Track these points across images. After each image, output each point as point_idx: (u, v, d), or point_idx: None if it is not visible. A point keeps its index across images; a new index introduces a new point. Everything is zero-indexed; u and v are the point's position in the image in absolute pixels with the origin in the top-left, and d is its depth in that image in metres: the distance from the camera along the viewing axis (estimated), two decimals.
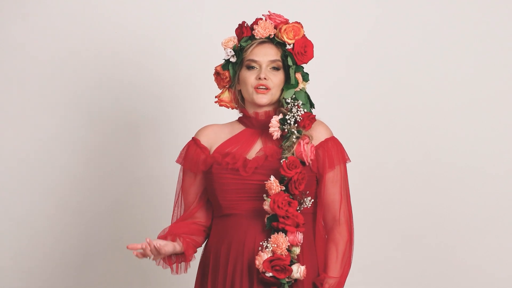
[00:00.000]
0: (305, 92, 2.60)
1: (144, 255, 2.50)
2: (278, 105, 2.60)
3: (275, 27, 2.60)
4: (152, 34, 4.09)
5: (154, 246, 2.47)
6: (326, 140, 2.57)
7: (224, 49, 2.62)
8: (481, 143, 4.21)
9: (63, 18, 4.08)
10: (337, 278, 2.54)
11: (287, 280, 2.47)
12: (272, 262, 2.45)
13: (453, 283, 4.16)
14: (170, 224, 2.69)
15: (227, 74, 2.62)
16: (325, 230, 2.59)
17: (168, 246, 2.53)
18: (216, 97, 2.68)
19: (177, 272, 2.65)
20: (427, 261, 4.17)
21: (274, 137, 2.54)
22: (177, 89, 4.06)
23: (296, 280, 2.49)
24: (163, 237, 2.58)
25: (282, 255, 2.46)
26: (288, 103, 2.56)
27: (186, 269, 2.65)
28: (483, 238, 4.17)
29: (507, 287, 4.18)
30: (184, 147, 2.64)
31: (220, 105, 2.68)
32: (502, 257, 4.18)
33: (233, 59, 2.61)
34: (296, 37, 2.58)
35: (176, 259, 2.62)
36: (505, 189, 4.22)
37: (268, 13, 2.61)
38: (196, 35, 4.08)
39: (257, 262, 2.46)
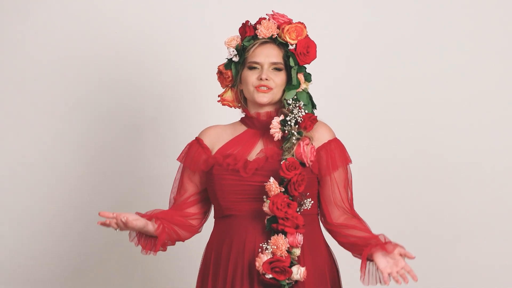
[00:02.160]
0: (307, 93, 2.61)
1: (107, 225, 2.49)
2: (280, 106, 2.60)
3: (278, 27, 2.60)
4: (154, 34, 4.15)
5: (121, 219, 2.45)
6: (329, 142, 2.58)
7: (227, 48, 2.63)
8: (479, 140, 4.27)
9: (65, 19, 4.14)
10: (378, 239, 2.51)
11: (287, 281, 2.48)
12: (272, 263, 2.45)
13: (450, 278, 4.22)
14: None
15: (229, 73, 2.63)
16: (340, 225, 2.60)
17: (139, 222, 2.52)
18: (219, 96, 2.69)
19: (146, 252, 2.62)
20: (423, 256, 4.23)
21: (275, 139, 2.55)
22: (180, 89, 4.11)
23: (296, 281, 2.49)
24: (141, 214, 2.57)
25: (282, 256, 2.46)
26: (289, 104, 2.56)
27: (156, 251, 2.62)
28: (481, 234, 4.23)
29: (503, 283, 4.24)
30: (186, 146, 2.66)
31: (223, 104, 2.69)
32: (498, 255, 4.24)
33: (235, 59, 2.61)
34: (298, 38, 2.58)
35: (148, 240, 2.61)
36: (502, 185, 4.27)
37: (272, 13, 2.61)
38: (199, 35, 4.14)
39: (257, 264, 2.47)
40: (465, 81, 4.29)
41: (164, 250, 2.66)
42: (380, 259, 2.42)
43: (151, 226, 2.55)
